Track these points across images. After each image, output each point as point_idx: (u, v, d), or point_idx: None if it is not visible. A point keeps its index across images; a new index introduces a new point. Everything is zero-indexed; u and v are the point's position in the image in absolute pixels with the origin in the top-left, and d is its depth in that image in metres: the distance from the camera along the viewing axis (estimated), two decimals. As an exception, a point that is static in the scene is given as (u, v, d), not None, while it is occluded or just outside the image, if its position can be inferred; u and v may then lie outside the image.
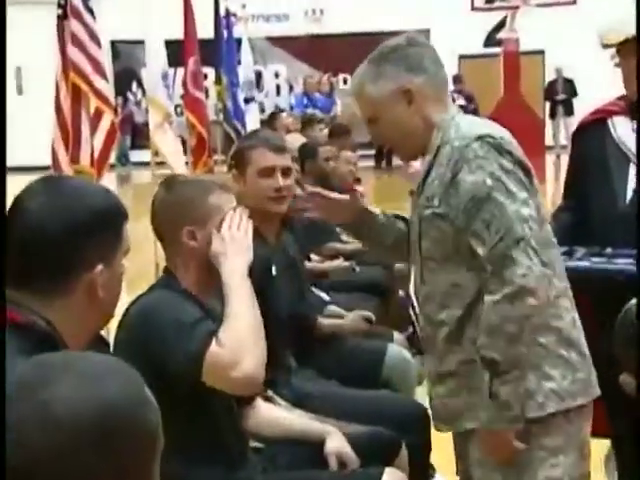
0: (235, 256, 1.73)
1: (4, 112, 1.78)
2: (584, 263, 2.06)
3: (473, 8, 15.79)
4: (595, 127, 2.27)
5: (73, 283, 1.22)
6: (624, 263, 2.00)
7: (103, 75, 4.23)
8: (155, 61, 5.06)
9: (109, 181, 10.31)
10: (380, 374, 2.73)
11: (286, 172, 2.45)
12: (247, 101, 8.85)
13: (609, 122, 2.25)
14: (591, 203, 2.11)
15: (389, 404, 2.40)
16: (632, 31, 2.07)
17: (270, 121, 6.84)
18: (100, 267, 1.23)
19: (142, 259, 4.73)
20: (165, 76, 5.07)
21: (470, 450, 1.77)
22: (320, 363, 2.64)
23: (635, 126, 2.18)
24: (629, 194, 2.14)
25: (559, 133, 14.36)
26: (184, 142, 6.19)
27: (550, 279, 1.66)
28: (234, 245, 1.74)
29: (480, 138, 1.66)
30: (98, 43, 4.21)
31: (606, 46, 2.17)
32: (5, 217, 1.27)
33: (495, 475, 1.72)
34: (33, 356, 0.90)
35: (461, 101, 12.84)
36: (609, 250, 2.09)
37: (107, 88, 4.31)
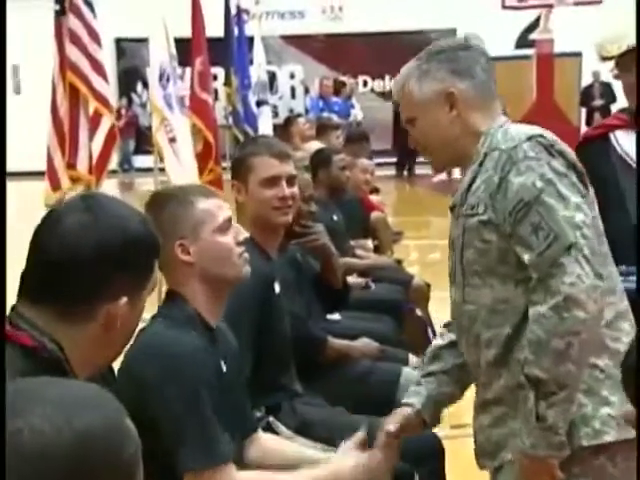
0: None
1: (4, 113, 1.81)
2: None
3: (504, 6, 15.78)
4: (598, 143, 2.30)
5: (93, 311, 1.23)
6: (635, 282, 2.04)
7: (103, 75, 4.28)
8: (157, 60, 5.10)
9: (110, 188, 10.37)
10: (394, 400, 2.71)
11: (290, 180, 2.46)
12: (259, 104, 8.87)
13: (611, 137, 2.28)
14: (604, 223, 2.14)
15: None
16: (631, 42, 2.10)
17: (285, 126, 6.85)
18: (124, 300, 1.24)
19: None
20: (162, 75, 5.10)
21: None
22: (329, 388, 2.63)
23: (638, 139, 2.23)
24: None
25: (596, 142, 14.29)
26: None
27: (604, 293, 1.61)
28: None
29: (531, 138, 1.66)
30: (98, 41, 4.27)
31: (605, 59, 2.20)
32: (5, 219, 1.29)
33: None
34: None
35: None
36: (623, 268, 2.05)
37: (107, 89, 4.36)
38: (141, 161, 15.10)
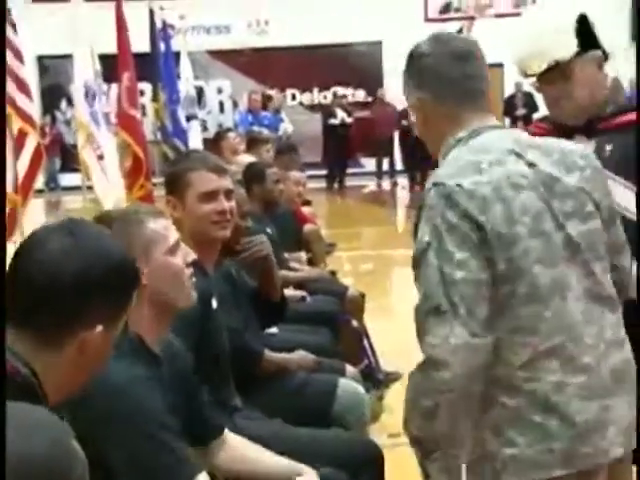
0: None
1: (4, 115, 1.78)
2: None
3: (427, 19, 16.14)
4: None
5: (68, 337, 1.23)
6: None
7: (27, 93, 4.21)
8: (81, 76, 5.04)
9: (36, 208, 10.16)
10: (331, 411, 2.74)
11: (228, 194, 2.47)
12: (189, 119, 8.82)
13: None
14: None
15: (340, 444, 2.41)
16: (554, 57, 2.13)
17: (216, 141, 6.83)
18: (100, 328, 1.24)
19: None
20: (88, 92, 5.05)
21: None
22: (267, 401, 2.63)
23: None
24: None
25: (520, 150, 14.63)
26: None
27: (486, 348, 1.59)
28: None
29: (435, 185, 1.66)
30: (21, 59, 4.20)
31: (527, 75, 2.21)
32: (5, 220, 1.28)
33: None
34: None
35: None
36: None
37: (32, 107, 4.29)
38: (67, 179, 14.85)
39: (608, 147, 2.16)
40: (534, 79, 2.21)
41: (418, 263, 1.63)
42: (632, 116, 2.20)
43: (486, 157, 1.69)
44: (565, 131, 2.18)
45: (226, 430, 2.03)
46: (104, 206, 5.31)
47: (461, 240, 1.60)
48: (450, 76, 1.78)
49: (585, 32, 2.15)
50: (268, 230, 4.17)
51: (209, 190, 2.41)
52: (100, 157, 5.21)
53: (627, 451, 1.72)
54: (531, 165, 1.70)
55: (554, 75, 2.16)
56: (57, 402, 1.25)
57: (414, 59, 1.83)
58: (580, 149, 1.82)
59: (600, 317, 1.69)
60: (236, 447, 2.02)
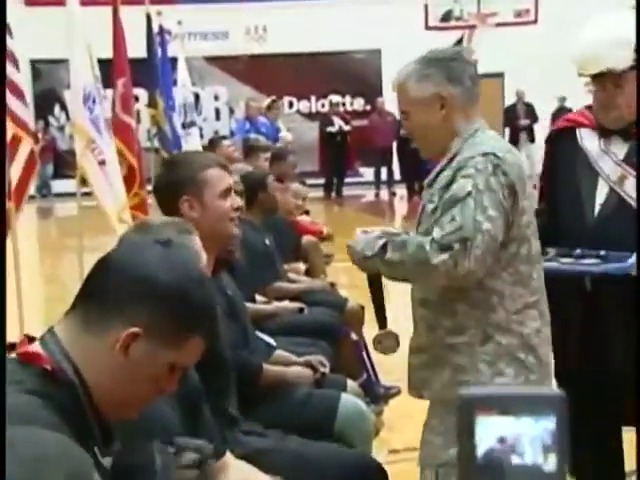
0: None
1: (4, 115, 1.79)
2: (553, 264, 2.41)
3: (427, 27, 16.18)
4: (566, 137, 2.56)
5: (108, 326, 1.25)
6: (590, 264, 2.37)
7: (22, 98, 4.19)
8: (80, 81, 5.01)
9: (28, 215, 10.13)
10: (333, 427, 2.72)
11: (236, 191, 2.54)
12: (188, 125, 8.80)
13: (577, 133, 2.53)
14: (560, 216, 2.40)
15: (342, 460, 2.39)
16: (608, 64, 2.34)
17: (209, 149, 6.80)
18: (136, 330, 1.25)
19: (70, 298, 4.66)
20: (88, 97, 5.02)
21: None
22: (266, 415, 2.61)
23: (602, 145, 2.48)
24: (597, 208, 2.46)
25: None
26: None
27: (513, 284, 2.08)
28: None
29: (485, 155, 2.05)
30: (15, 63, 4.18)
31: (581, 75, 2.44)
32: (5, 222, 1.30)
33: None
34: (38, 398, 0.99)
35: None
36: (578, 251, 2.42)
37: (27, 113, 4.26)
38: (60, 186, 14.81)
39: None
40: (589, 80, 2.45)
41: (455, 204, 2.01)
42: None
43: (505, 143, 2.18)
44: (604, 131, 2.48)
45: (228, 453, 2.00)
46: (107, 212, 5.27)
47: (497, 202, 2.01)
48: (475, 80, 2.18)
49: None
50: (266, 241, 4.15)
51: (226, 187, 2.43)
52: (102, 163, 5.18)
53: None
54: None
55: (607, 81, 2.39)
56: (116, 418, 1.26)
57: (444, 58, 2.16)
58: None
59: None
60: (240, 470, 1.99)
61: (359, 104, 16.57)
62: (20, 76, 4.25)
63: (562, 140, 2.58)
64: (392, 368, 4.41)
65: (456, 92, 2.14)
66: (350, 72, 16.19)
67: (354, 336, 4.24)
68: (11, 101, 4.10)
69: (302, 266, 4.88)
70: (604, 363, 2.45)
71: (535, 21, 15.91)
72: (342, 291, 5.34)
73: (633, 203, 2.40)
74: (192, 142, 8.66)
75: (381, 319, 2.40)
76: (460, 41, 14.81)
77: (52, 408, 1.13)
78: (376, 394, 4.26)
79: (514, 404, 0.78)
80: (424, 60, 2.18)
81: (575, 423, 2.38)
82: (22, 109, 4.16)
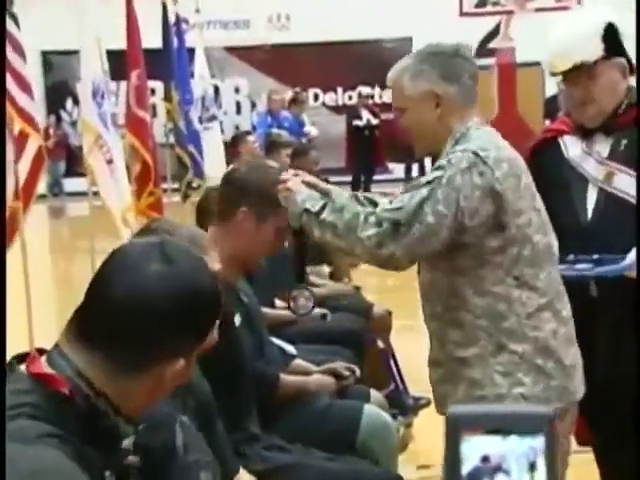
0: None
1: (4, 116, 1.82)
2: None
3: (462, 13, 16.12)
4: (548, 147, 2.62)
5: (148, 368, 1.26)
6: (583, 268, 2.40)
7: (29, 92, 4.22)
8: (89, 74, 5.04)
9: (39, 214, 10.23)
10: (355, 441, 2.72)
11: None
12: (208, 120, 8.80)
13: (560, 142, 2.59)
14: (556, 226, 2.40)
15: (367, 477, 2.43)
16: (579, 58, 2.39)
17: (234, 145, 6.80)
18: (182, 362, 1.28)
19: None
20: (96, 91, 5.05)
21: None
22: (285, 427, 2.62)
23: (585, 147, 2.53)
24: (589, 213, 2.51)
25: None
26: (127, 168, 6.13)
27: (529, 289, 2.11)
28: None
29: (464, 151, 2.07)
30: (23, 55, 4.21)
31: (553, 74, 2.52)
32: (4, 224, 1.31)
33: None
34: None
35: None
36: (571, 257, 2.45)
37: (33, 107, 4.30)
38: (72, 184, 14.94)
39: (624, 142, 2.49)
40: (560, 78, 2.52)
41: (413, 188, 2.06)
42: None
43: (499, 140, 2.17)
44: (585, 132, 2.53)
45: (242, 470, 2.01)
46: (111, 212, 5.32)
47: (452, 201, 2.02)
48: (475, 78, 2.18)
49: (612, 40, 2.43)
50: (286, 243, 4.15)
51: (284, 226, 2.43)
52: (109, 161, 5.21)
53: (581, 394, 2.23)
54: None
55: (579, 76, 2.43)
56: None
57: (443, 54, 2.16)
58: None
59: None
60: None
61: (389, 96, 16.51)
62: (28, 68, 4.28)
63: (547, 151, 2.62)
64: (420, 378, 4.39)
65: (452, 91, 2.16)
66: (380, 62, 16.11)
67: (381, 344, 4.22)
68: (18, 95, 4.14)
69: (326, 269, 4.88)
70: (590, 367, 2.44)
71: (578, 3, 15.79)
72: (368, 295, 5.32)
73: (627, 197, 2.43)
74: (213, 137, 8.66)
75: (299, 275, 2.48)
76: (497, 28, 14.74)
77: (69, 444, 1.15)
78: (405, 405, 4.24)
79: (500, 422, 0.81)
80: (420, 55, 2.20)
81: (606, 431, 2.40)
82: (29, 103, 4.19)
